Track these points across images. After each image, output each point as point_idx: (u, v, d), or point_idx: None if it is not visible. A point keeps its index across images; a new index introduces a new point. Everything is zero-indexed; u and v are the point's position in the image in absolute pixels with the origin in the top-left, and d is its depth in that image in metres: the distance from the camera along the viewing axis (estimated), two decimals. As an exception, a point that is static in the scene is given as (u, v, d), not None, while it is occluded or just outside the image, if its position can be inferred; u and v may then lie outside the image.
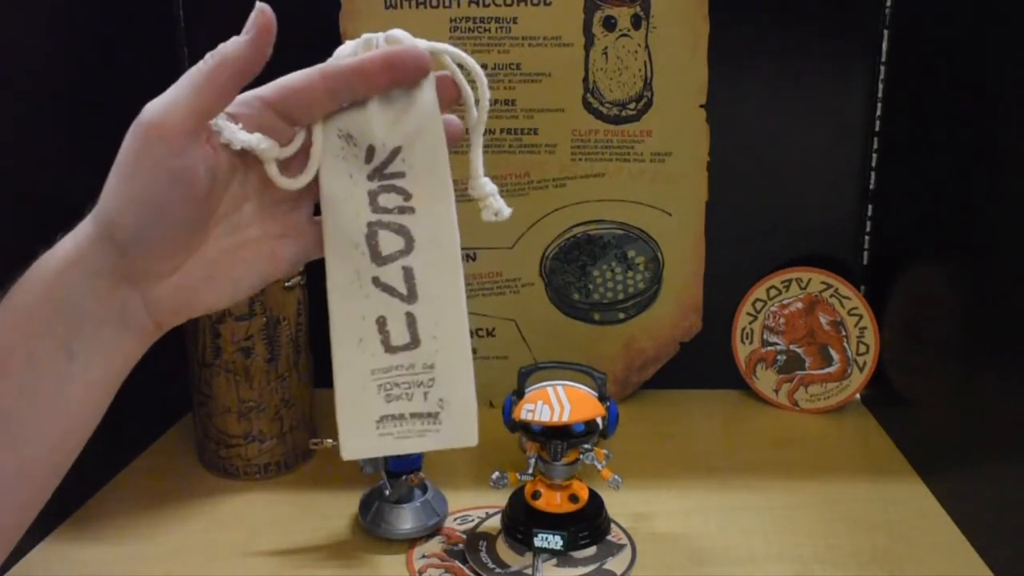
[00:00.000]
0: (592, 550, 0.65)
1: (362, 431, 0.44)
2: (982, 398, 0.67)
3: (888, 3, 0.84)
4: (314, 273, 0.80)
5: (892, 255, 0.87)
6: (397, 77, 0.42)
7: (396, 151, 0.44)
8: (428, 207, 0.44)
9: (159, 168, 0.38)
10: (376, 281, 0.44)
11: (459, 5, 0.81)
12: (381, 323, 0.44)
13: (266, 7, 0.40)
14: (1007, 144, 0.64)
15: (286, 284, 0.75)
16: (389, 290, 0.44)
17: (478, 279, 0.88)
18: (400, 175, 0.44)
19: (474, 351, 0.88)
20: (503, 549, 0.66)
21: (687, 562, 0.66)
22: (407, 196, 0.44)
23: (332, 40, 0.81)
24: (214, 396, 0.76)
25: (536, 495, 0.65)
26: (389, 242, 0.44)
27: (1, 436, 0.40)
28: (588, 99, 0.84)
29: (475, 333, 0.89)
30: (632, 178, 0.86)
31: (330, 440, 0.69)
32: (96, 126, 0.72)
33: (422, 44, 0.44)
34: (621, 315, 0.90)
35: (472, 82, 0.46)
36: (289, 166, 0.44)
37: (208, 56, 0.39)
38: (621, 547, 0.67)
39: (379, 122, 0.43)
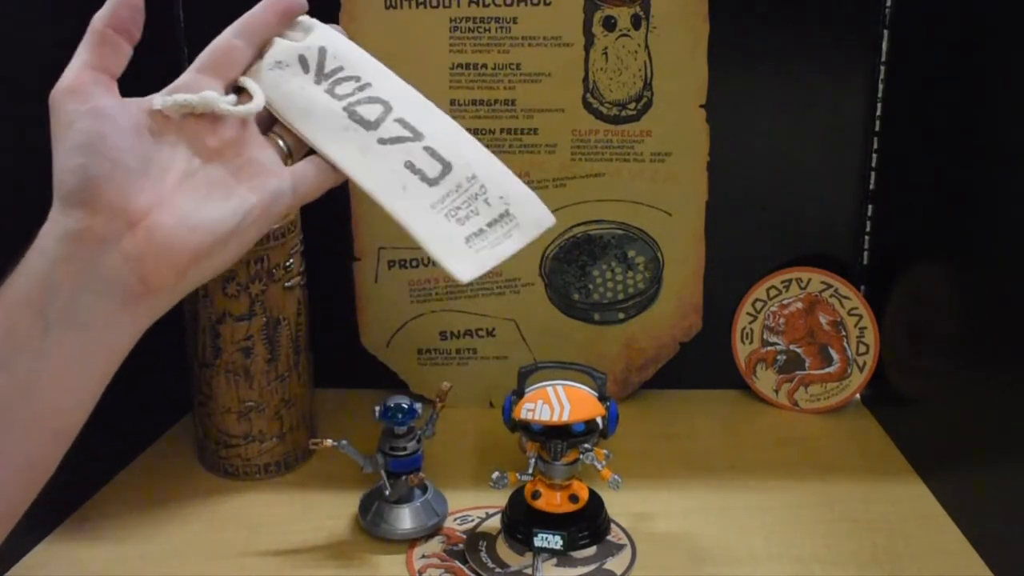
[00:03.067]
0: (592, 550, 0.66)
1: (462, 255, 0.47)
2: (982, 398, 0.67)
3: (888, 3, 0.84)
4: (314, 273, 0.80)
5: (892, 255, 0.87)
6: (284, 11, 0.48)
7: (323, 51, 0.48)
8: (378, 80, 0.49)
9: (79, 116, 0.41)
10: (381, 141, 0.47)
11: (459, 5, 0.81)
12: (411, 166, 0.47)
13: None
14: (1007, 144, 0.64)
15: (286, 284, 0.75)
16: (398, 140, 0.48)
17: (478, 279, 0.88)
18: (340, 69, 0.49)
19: (474, 351, 0.90)
20: (503, 549, 0.66)
21: (687, 562, 0.66)
22: (357, 79, 0.49)
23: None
24: (214, 396, 0.76)
25: (536, 495, 0.66)
26: (370, 111, 0.48)
27: None
28: (588, 99, 0.84)
29: (475, 333, 0.89)
30: (632, 178, 0.86)
31: (330, 440, 0.69)
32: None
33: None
34: (621, 315, 0.90)
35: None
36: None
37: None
38: (621, 547, 0.67)
39: (293, 41, 0.49)
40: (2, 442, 0.40)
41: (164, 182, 0.43)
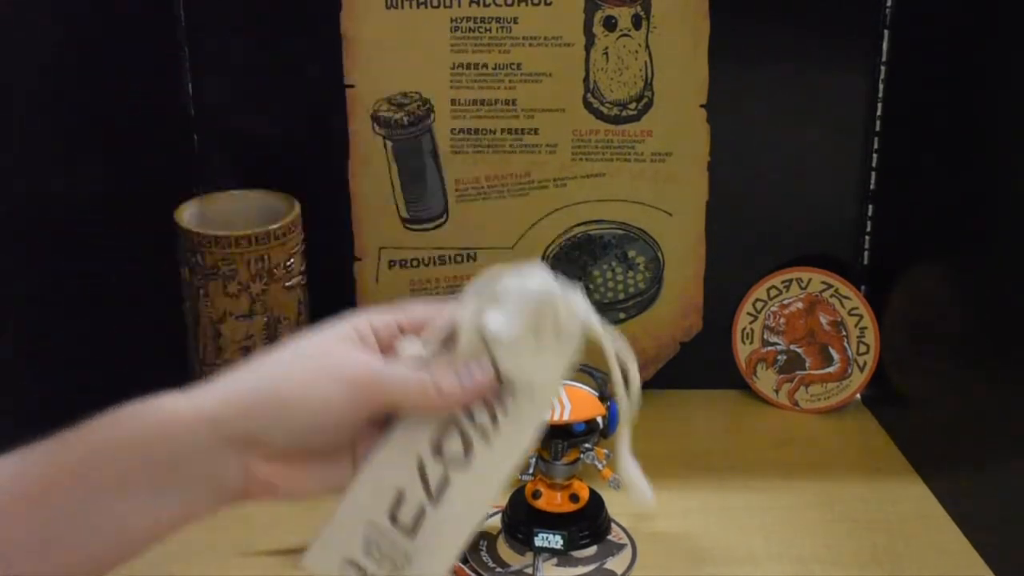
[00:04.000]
0: (592, 550, 0.66)
1: (330, 555, 0.45)
2: (982, 398, 0.67)
3: (888, 3, 0.84)
4: (314, 273, 0.80)
5: (892, 255, 0.87)
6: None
7: (511, 386, 0.44)
8: (508, 438, 0.44)
9: (351, 418, 0.43)
10: (421, 466, 0.44)
11: (459, 5, 0.81)
12: (400, 496, 0.44)
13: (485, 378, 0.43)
14: (1007, 144, 0.64)
15: (286, 284, 0.75)
16: (424, 479, 0.44)
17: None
18: (507, 405, 0.44)
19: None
20: (503, 549, 0.66)
21: (687, 562, 0.66)
22: (494, 418, 0.44)
23: (333, 39, 0.82)
24: (214, 396, 0.76)
25: (536, 495, 0.66)
26: (453, 444, 0.44)
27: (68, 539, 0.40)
28: (588, 99, 0.84)
29: (475, 333, 0.89)
30: (632, 178, 0.86)
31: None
32: (97, 125, 0.72)
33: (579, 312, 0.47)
34: (621, 315, 0.90)
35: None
36: None
37: (435, 389, 0.42)
38: (621, 547, 0.67)
39: (519, 359, 0.45)
40: (89, 560, 0.41)
41: None
